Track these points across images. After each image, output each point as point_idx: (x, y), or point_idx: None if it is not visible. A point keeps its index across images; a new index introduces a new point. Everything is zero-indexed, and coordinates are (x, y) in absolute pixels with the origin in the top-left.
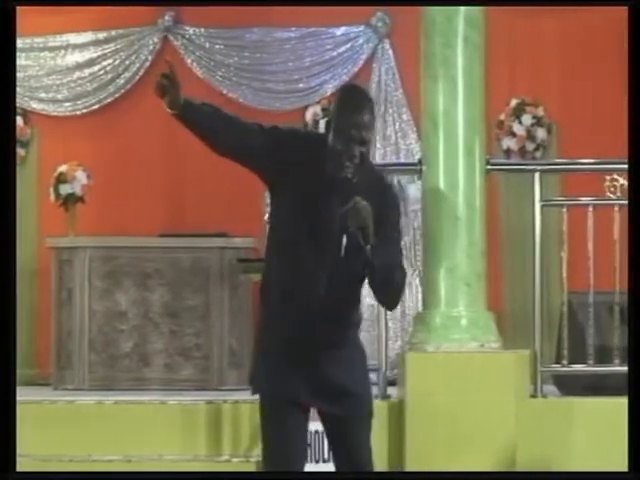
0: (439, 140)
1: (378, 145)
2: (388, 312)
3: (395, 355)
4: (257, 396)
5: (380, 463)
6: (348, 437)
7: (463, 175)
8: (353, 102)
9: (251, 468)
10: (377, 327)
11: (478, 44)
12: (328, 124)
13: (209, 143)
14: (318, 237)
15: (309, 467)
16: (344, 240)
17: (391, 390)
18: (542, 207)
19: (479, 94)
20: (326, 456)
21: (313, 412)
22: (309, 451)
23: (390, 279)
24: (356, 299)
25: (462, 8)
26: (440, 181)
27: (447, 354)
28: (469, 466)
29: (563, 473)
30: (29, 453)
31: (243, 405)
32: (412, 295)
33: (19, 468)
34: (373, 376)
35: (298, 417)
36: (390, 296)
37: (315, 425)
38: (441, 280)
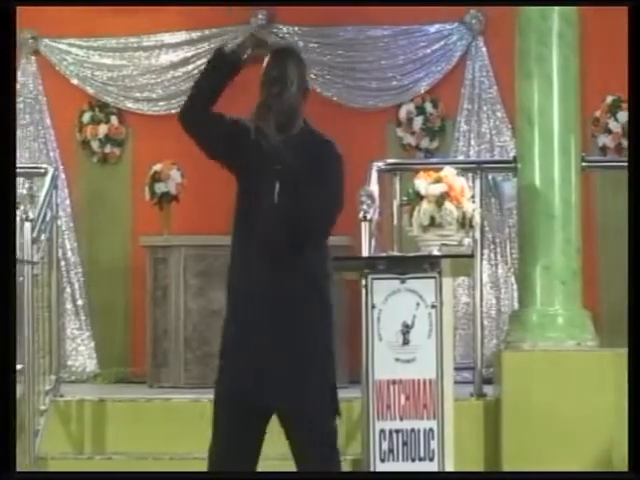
0: (534, 138)
1: (472, 142)
2: (484, 311)
3: (491, 353)
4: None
5: (476, 463)
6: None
7: (558, 172)
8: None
9: (347, 467)
10: (472, 325)
11: (573, 41)
12: None
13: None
14: (258, 191)
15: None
16: (277, 186)
17: (487, 389)
18: None
19: (574, 91)
20: (422, 454)
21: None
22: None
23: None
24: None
25: (557, 7)
26: (535, 179)
27: (543, 352)
28: (566, 466)
29: (564, 473)
30: (125, 451)
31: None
32: (508, 293)
33: (113, 467)
34: (468, 374)
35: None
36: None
37: (411, 424)
38: (537, 278)
